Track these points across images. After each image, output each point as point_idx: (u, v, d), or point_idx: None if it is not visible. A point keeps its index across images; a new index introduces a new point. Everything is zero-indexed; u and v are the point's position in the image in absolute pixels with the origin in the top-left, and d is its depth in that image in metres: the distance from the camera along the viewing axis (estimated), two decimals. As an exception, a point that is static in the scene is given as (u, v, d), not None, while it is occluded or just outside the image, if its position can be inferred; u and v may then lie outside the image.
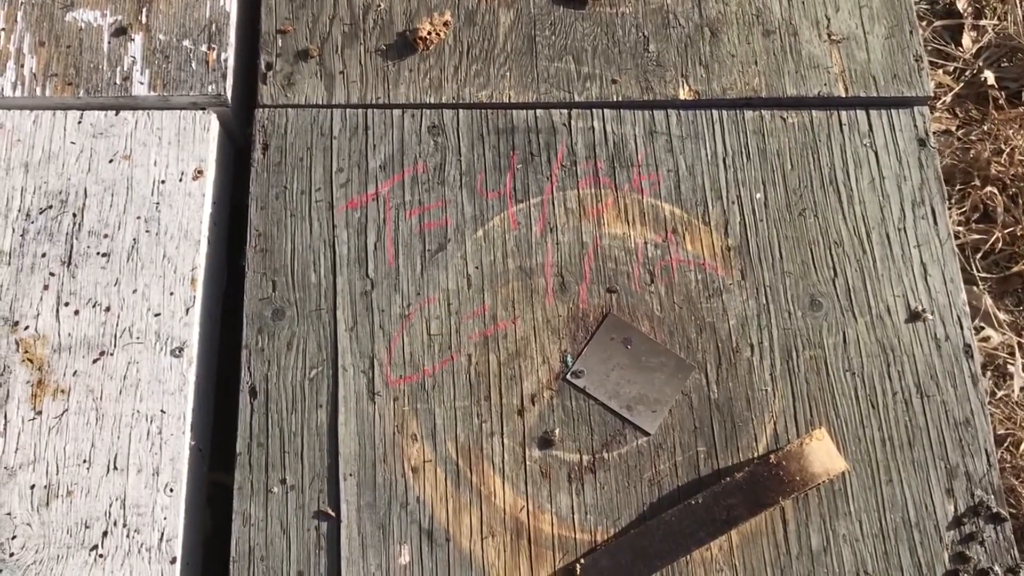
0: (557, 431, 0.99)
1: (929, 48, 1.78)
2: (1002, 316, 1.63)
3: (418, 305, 1.03)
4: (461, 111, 1.10)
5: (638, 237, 1.06)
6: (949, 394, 1.03)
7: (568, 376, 1.01)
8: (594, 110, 1.11)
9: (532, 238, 1.06)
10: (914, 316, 1.05)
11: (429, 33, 1.10)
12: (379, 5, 1.13)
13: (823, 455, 0.95)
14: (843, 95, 1.12)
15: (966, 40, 1.80)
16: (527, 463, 0.98)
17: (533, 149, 1.09)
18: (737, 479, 0.95)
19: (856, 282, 1.06)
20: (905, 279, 1.06)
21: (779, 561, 0.96)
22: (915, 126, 1.12)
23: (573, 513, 0.97)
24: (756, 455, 1.00)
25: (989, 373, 1.62)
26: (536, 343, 1.02)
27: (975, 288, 1.62)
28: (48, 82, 1.07)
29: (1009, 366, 1.60)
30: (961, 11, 1.81)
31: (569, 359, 1.02)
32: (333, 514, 0.96)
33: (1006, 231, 1.63)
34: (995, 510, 0.99)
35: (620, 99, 1.11)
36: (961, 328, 1.05)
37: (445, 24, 1.11)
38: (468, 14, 1.13)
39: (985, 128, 1.71)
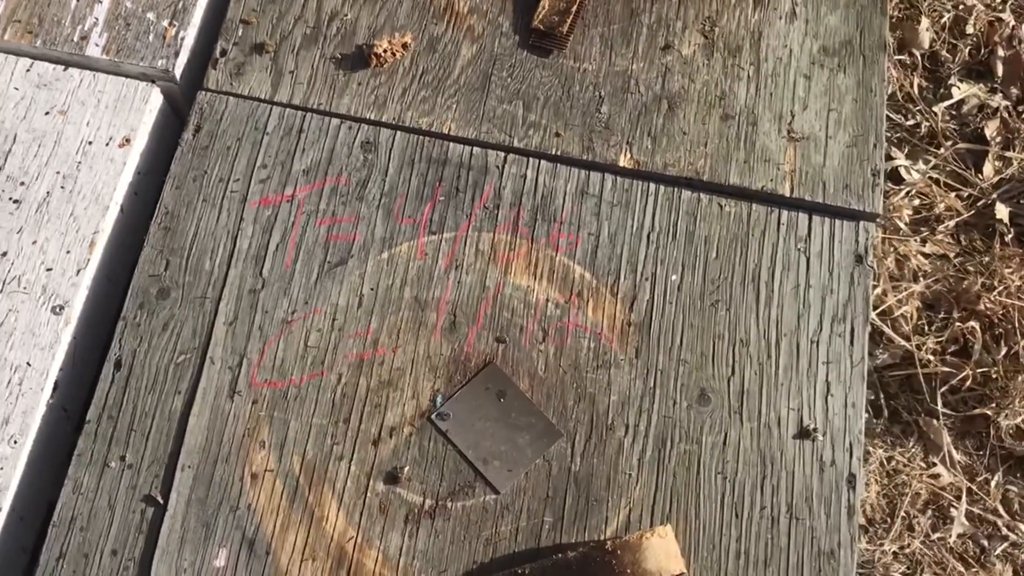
0: (407, 469, 0.97)
1: (947, 169, 1.73)
2: (958, 456, 1.56)
3: (303, 314, 1.02)
4: (398, 133, 1.09)
5: (541, 293, 1.04)
6: (820, 521, 0.98)
7: (433, 416, 0.99)
8: (531, 159, 1.09)
9: (435, 271, 1.04)
10: (804, 433, 1.01)
11: (385, 51, 1.10)
12: (346, 15, 1.14)
13: (661, 554, 0.92)
14: (787, 195, 1.09)
15: (988, 168, 1.74)
16: (368, 495, 0.97)
17: (460, 184, 1.08)
18: (568, 557, 0.92)
19: (752, 385, 1.02)
20: (804, 393, 1.02)
21: (596, 652, 0.93)
22: (856, 240, 1.08)
23: (401, 555, 0.95)
24: (603, 538, 0.96)
25: (930, 512, 1.55)
26: (410, 376, 1.01)
27: (935, 421, 1.56)
28: (10, 27, 1.09)
29: (953, 509, 1.53)
30: (989, 138, 1.75)
31: (439, 399, 1.00)
32: (161, 501, 0.95)
33: (979, 370, 1.56)
34: (837, 652, 0.94)
35: (559, 153, 1.09)
36: (850, 456, 1.00)
37: (404, 46, 1.11)
38: (431, 41, 1.13)
39: (984, 262, 1.65)
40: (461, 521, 0.96)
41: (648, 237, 1.07)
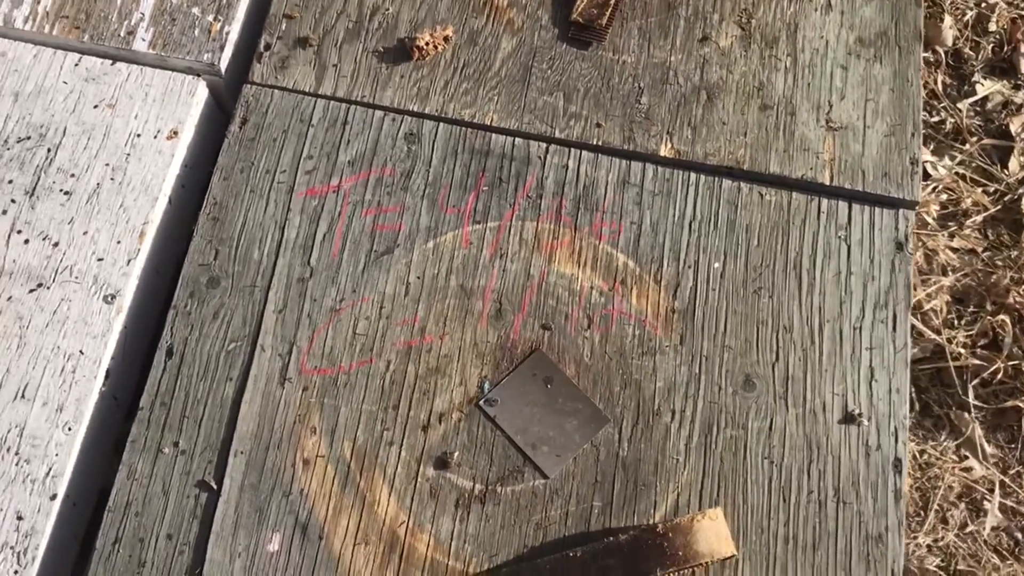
0: (456, 454, 0.98)
1: (973, 164, 1.73)
2: (990, 449, 1.57)
3: (351, 302, 1.03)
4: (441, 124, 1.11)
5: (585, 281, 1.05)
6: (867, 505, 0.99)
7: (481, 402, 1.00)
8: (572, 149, 1.10)
9: (480, 260, 1.05)
10: (849, 418, 1.01)
11: (427, 44, 1.11)
12: (388, 9, 1.15)
13: (712, 536, 0.92)
14: (827, 183, 1.10)
15: (1014, 164, 1.75)
16: (418, 480, 0.97)
17: (503, 175, 1.09)
18: (620, 540, 0.93)
19: (797, 371, 1.03)
20: (849, 379, 1.03)
21: (647, 635, 0.93)
22: (896, 228, 1.09)
23: (452, 539, 0.96)
24: (651, 522, 0.97)
25: (964, 505, 1.56)
26: (458, 363, 1.02)
27: (966, 415, 1.56)
28: (58, 22, 1.11)
29: (986, 502, 1.54)
30: (1015, 133, 1.76)
31: (487, 386, 1.01)
32: (215, 487, 0.96)
33: (1011, 363, 1.56)
34: (886, 634, 0.94)
35: (600, 143, 1.10)
36: (896, 440, 1.01)
37: (445, 39, 1.13)
38: (472, 34, 1.15)
39: (1012, 255, 1.65)
40: (511, 505, 0.97)
41: (690, 226, 1.08)
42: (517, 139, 1.10)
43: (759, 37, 1.16)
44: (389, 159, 1.09)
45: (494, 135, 1.10)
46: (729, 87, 1.14)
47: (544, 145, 1.10)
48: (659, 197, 1.09)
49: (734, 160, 1.10)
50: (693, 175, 1.10)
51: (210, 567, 0.93)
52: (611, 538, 0.93)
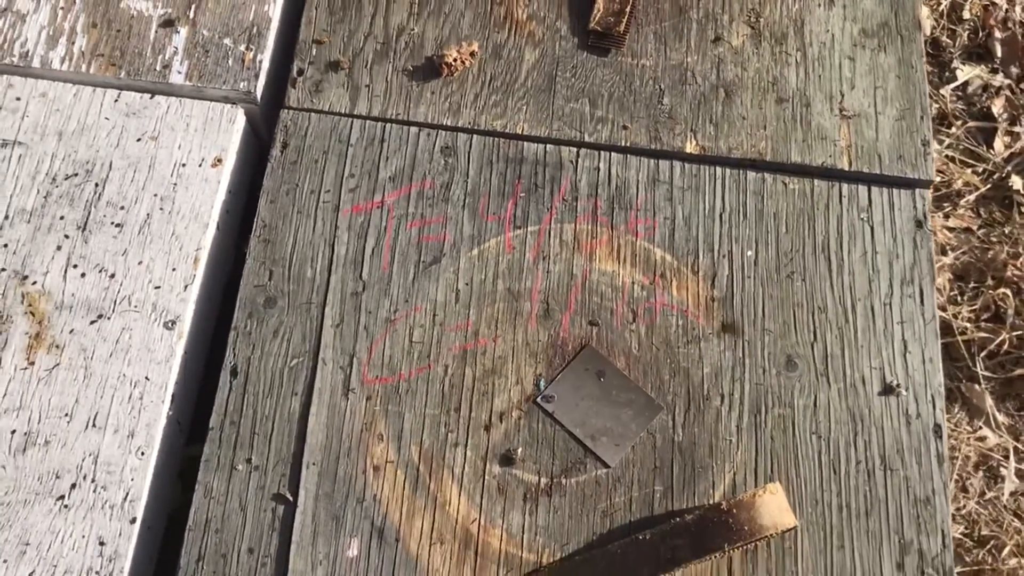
0: (520, 451, 1.02)
1: (960, 147, 1.80)
2: (1001, 418, 1.63)
3: (405, 312, 1.06)
4: (475, 136, 1.15)
5: (627, 276, 1.09)
6: (913, 470, 1.03)
7: (539, 399, 1.04)
8: (602, 152, 1.15)
9: (524, 263, 1.09)
10: (888, 390, 1.06)
11: (455, 60, 1.16)
12: (413, 29, 1.19)
13: (774, 509, 0.96)
14: (846, 168, 1.15)
15: (998, 144, 1.82)
16: (486, 477, 1.01)
17: (538, 180, 1.13)
18: (686, 520, 0.97)
19: (834, 348, 1.08)
20: (884, 353, 1.08)
21: (719, 609, 0.97)
22: (914, 207, 1.14)
23: (523, 532, 0.99)
24: (712, 502, 1.01)
25: (981, 473, 1.61)
26: (513, 363, 1.05)
27: (976, 386, 1.62)
28: (94, 61, 1.14)
29: (1002, 468, 1.59)
30: (996, 115, 1.83)
31: (542, 383, 1.04)
32: (291, 499, 0.99)
33: (1015, 333, 1.63)
34: (944, 591, 0.99)
35: (628, 144, 1.15)
36: (933, 408, 1.06)
37: (472, 54, 1.17)
38: (495, 48, 1.19)
39: (1006, 231, 1.72)
40: (577, 496, 1.01)
41: (720, 217, 1.13)
42: (548, 146, 1.15)
43: (768, 35, 1.22)
44: (428, 172, 1.13)
45: (526, 143, 1.15)
46: (745, 84, 1.19)
47: (575, 150, 1.15)
48: (689, 192, 1.14)
49: (756, 152, 1.15)
50: (719, 169, 1.15)
51: (293, 576, 0.96)
52: (677, 519, 0.97)
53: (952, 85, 1.86)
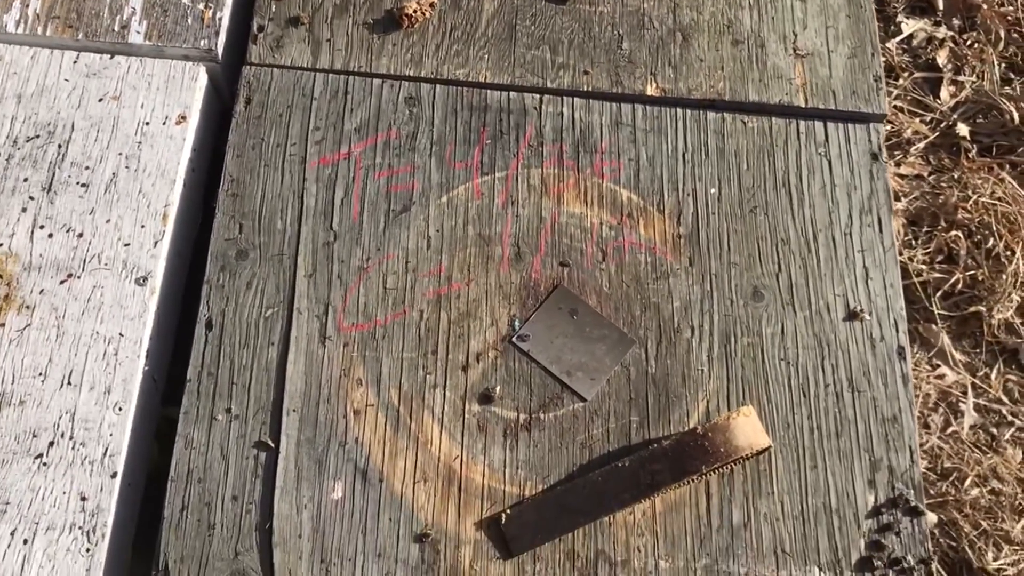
0: (498, 389, 1.03)
1: (908, 97, 1.85)
2: (958, 356, 1.67)
3: (377, 260, 1.07)
4: (438, 86, 1.16)
5: (595, 218, 1.11)
6: (880, 391, 1.07)
7: (514, 339, 1.05)
8: (564, 97, 1.16)
9: (493, 209, 1.11)
10: (852, 315, 1.09)
11: (415, 11, 1.16)
12: (371, -17, 1.20)
13: (748, 430, 0.99)
14: (803, 105, 1.18)
15: (944, 93, 1.87)
16: (466, 416, 1.02)
17: (503, 127, 1.14)
18: (664, 446, 0.99)
19: (799, 278, 1.10)
20: (847, 280, 1.11)
21: (699, 532, 0.99)
22: (869, 140, 1.18)
23: (505, 467, 1.01)
24: (687, 429, 1.03)
25: (942, 409, 1.66)
26: (487, 306, 1.06)
27: (933, 326, 1.67)
28: (50, 23, 1.13)
29: (961, 404, 1.64)
30: (941, 66, 1.88)
31: (517, 323, 1.06)
32: (272, 445, 0.99)
33: (967, 273, 1.68)
34: (913, 503, 1.02)
35: (590, 89, 1.17)
36: (896, 331, 1.09)
37: (431, 5, 1.18)
38: (454, -1, 1.20)
39: (955, 176, 1.77)
40: (555, 429, 1.02)
41: (683, 157, 1.15)
42: (512, 93, 1.16)
43: (721, -21, 1.24)
44: (393, 123, 1.13)
45: (489, 91, 1.16)
46: (701, 27, 1.21)
47: (538, 96, 1.16)
48: (651, 134, 1.16)
49: (715, 93, 1.18)
50: (680, 110, 1.17)
51: (279, 521, 0.97)
52: (655, 445, 0.99)
53: (898, 38, 1.90)
